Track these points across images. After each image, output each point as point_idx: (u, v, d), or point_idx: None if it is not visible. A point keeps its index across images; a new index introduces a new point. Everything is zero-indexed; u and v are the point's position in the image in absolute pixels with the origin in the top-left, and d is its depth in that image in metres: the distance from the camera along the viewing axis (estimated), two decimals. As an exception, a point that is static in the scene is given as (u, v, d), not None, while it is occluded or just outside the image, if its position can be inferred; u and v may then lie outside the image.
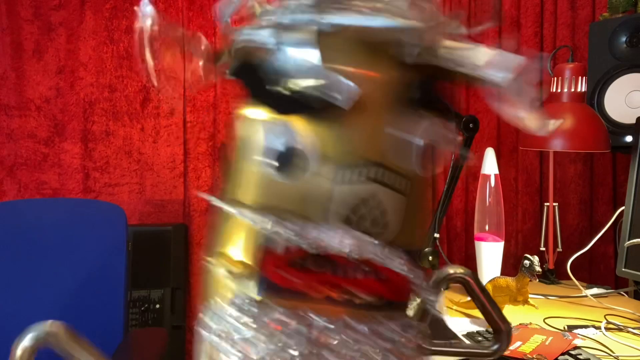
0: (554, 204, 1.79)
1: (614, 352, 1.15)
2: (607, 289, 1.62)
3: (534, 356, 1.04)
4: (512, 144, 2.15)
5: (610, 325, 1.31)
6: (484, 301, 0.65)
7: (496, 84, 0.50)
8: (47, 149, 1.93)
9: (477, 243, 1.58)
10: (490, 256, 1.55)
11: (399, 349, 0.48)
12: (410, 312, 0.54)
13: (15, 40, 1.90)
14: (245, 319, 0.47)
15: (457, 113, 1.66)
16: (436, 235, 1.70)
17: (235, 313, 0.47)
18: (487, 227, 1.58)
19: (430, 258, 1.71)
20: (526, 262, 1.24)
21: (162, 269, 1.89)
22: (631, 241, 1.38)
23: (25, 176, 1.92)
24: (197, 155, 2.01)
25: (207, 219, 1.99)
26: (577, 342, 1.13)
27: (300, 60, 0.47)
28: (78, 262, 1.45)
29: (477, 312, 1.41)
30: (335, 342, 0.46)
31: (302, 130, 0.48)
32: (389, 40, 0.49)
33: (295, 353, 0.44)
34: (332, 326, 0.46)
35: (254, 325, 0.46)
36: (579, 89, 1.62)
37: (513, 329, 1.19)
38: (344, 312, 0.47)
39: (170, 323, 1.88)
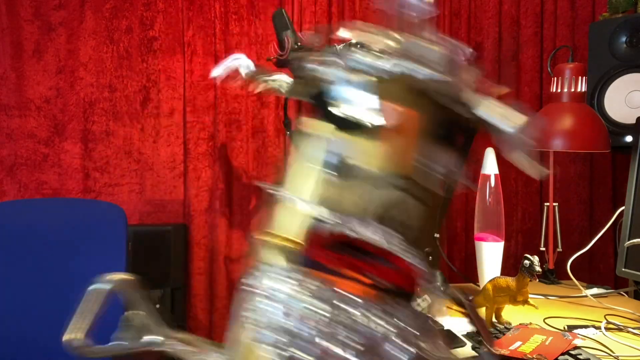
0: (554, 204, 1.79)
1: (614, 352, 1.15)
2: (607, 289, 1.62)
3: (534, 356, 1.04)
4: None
5: (610, 325, 1.31)
6: (480, 326, 0.77)
7: (504, 134, 0.65)
8: (47, 149, 1.93)
9: (477, 243, 1.58)
10: (490, 256, 1.54)
11: (393, 323, 0.58)
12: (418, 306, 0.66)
13: (15, 40, 1.90)
14: (292, 282, 0.59)
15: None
16: (436, 235, 1.70)
17: (282, 276, 0.60)
18: (487, 227, 1.57)
19: (430, 258, 1.71)
20: (526, 262, 1.24)
21: (162, 269, 1.89)
22: (631, 241, 1.38)
23: (25, 176, 1.92)
24: (197, 155, 2.01)
25: (207, 219, 1.99)
26: (577, 342, 1.13)
27: (359, 95, 0.64)
28: (78, 262, 1.45)
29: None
30: (354, 312, 0.57)
31: (354, 144, 0.63)
32: (428, 87, 0.63)
33: (324, 311, 0.56)
34: (352, 297, 0.58)
35: (298, 288, 0.59)
36: (579, 89, 1.62)
37: (513, 329, 1.20)
38: (363, 289, 0.59)
39: (170, 323, 1.88)
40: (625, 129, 1.72)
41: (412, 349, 0.58)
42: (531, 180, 2.16)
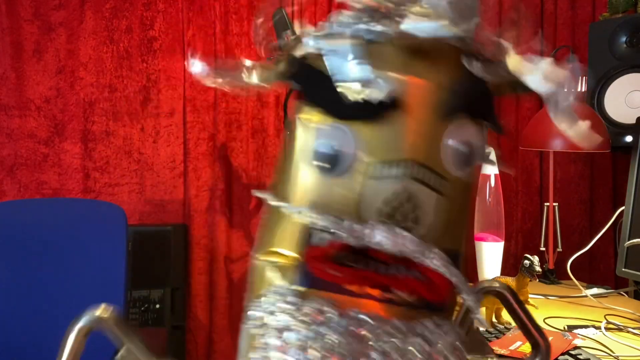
0: (554, 204, 1.79)
1: (614, 352, 1.15)
2: (607, 289, 1.62)
3: (534, 356, 1.04)
4: (512, 144, 2.15)
5: (610, 325, 1.31)
6: (521, 315, 0.64)
7: (541, 94, 0.51)
8: (47, 149, 1.93)
9: (477, 243, 1.58)
10: (490, 256, 1.54)
11: (435, 349, 0.47)
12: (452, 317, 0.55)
13: (15, 40, 1.90)
14: (287, 307, 0.47)
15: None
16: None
17: (278, 302, 0.48)
18: (487, 227, 1.57)
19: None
20: (526, 262, 1.24)
21: (162, 269, 1.89)
22: (631, 241, 1.38)
23: (25, 176, 1.92)
24: (197, 155, 2.01)
25: (207, 219, 1.99)
26: (577, 342, 1.13)
27: (345, 66, 0.49)
28: (78, 262, 1.45)
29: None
30: (372, 335, 0.45)
31: (350, 132, 0.49)
32: (437, 47, 0.50)
33: (334, 341, 0.45)
34: (369, 320, 0.46)
35: (296, 314, 0.47)
36: (579, 89, 1.62)
37: (513, 329, 1.20)
38: (382, 308, 0.47)
39: (170, 323, 1.88)
40: (625, 129, 1.72)
41: None
42: (531, 180, 2.16)
